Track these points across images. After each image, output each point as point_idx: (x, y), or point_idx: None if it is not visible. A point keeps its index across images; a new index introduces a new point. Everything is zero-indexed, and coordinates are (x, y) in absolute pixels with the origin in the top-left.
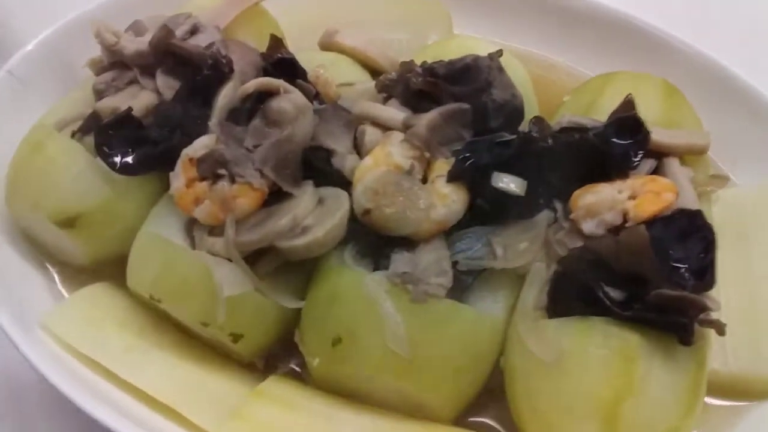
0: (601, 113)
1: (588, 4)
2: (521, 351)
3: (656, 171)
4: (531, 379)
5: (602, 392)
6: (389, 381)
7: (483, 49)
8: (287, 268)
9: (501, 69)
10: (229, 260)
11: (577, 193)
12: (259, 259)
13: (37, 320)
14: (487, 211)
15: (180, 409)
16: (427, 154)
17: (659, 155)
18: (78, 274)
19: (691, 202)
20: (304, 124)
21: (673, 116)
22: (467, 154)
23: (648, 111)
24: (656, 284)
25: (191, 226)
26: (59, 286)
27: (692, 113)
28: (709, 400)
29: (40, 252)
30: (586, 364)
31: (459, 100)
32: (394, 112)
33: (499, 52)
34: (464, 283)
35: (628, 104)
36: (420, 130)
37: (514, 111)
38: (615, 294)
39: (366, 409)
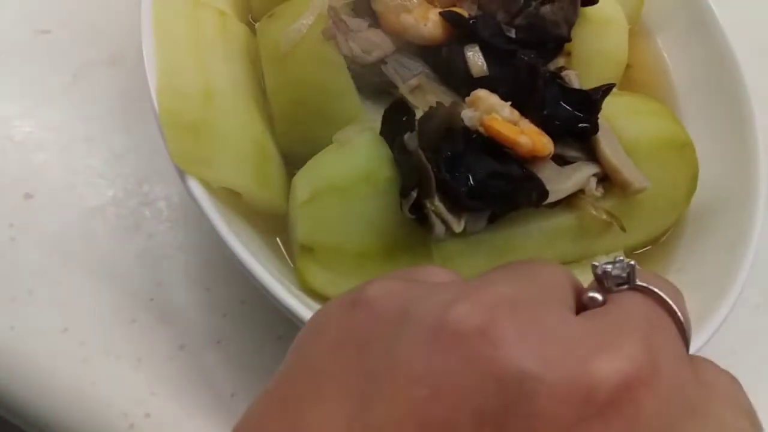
0: None
1: None
2: None
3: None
4: None
5: None
6: None
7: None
8: None
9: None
10: None
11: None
12: None
13: None
14: (441, 61)
15: None
16: None
17: (593, 157)
18: None
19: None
20: None
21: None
22: (477, 17)
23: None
24: None
25: None
26: None
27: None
28: None
29: None
30: None
31: None
32: None
33: None
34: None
35: (606, 92)
36: None
37: (546, 23)
38: None
39: None
